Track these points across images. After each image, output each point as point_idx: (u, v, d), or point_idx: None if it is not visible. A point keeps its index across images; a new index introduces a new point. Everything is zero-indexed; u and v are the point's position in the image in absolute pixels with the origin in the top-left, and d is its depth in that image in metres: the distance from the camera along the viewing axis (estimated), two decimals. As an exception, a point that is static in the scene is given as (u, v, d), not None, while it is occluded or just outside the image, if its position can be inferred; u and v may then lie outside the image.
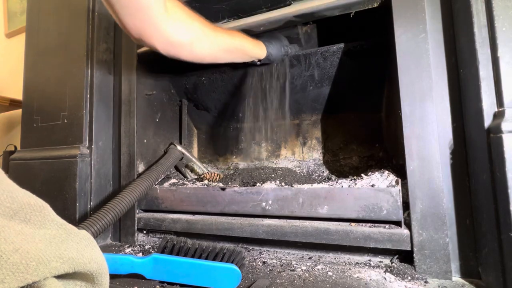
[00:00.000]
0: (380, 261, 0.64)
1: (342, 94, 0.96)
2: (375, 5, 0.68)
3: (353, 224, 0.64)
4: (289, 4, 0.77)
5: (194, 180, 1.01)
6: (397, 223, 0.61)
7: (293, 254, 0.72)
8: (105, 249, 0.83)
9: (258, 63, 0.88)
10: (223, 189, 0.76)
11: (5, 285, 0.27)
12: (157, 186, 0.86)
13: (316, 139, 1.05)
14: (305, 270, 0.63)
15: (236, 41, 0.76)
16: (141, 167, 0.91)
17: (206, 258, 0.59)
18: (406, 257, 0.61)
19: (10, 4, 2.00)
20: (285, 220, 0.70)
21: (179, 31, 0.62)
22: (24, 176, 0.94)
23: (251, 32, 0.82)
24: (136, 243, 0.86)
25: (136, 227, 0.86)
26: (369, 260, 0.65)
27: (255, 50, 0.83)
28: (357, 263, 0.65)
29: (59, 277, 0.34)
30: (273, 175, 0.88)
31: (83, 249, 0.36)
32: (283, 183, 0.79)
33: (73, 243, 0.36)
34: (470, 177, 0.57)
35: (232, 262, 0.58)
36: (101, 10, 0.94)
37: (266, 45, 0.85)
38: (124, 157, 0.90)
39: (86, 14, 0.91)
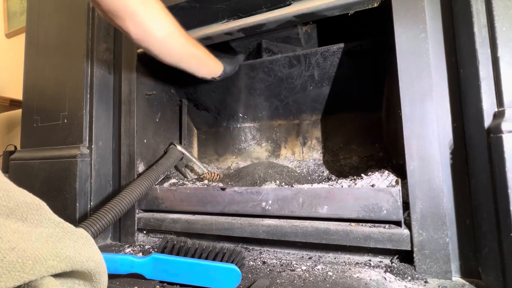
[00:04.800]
0: (380, 261, 0.64)
1: (342, 94, 0.96)
2: (375, 5, 0.68)
3: (353, 224, 0.64)
4: (289, 4, 0.77)
5: (194, 180, 1.01)
6: (397, 223, 0.61)
7: (293, 254, 0.71)
8: (105, 249, 0.83)
9: (218, 78, 0.90)
10: (223, 189, 0.76)
11: (1, 284, 0.27)
12: (157, 186, 0.86)
13: (316, 139, 1.04)
14: (305, 270, 0.62)
15: (202, 51, 0.79)
16: (141, 167, 0.91)
17: (206, 258, 0.58)
18: (406, 257, 0.61)
19: (10, 4, 2.01)
20: (285, 220, 0.70)
21: (156, 21, 0.63)
22: (24, 176, 0.94)
23: (250, 33, 0.83)
24: (136, 243, 0.86)
25: (136, 227, 0.86)
26: (369, 260, 0.65)
27: (215, 64, 0.86)
28: (357, 263, 0.65)
29: (56, 276, 0.34)
30: (269, 171, 0.88)
31: (80, 247, 0.36)
32: (283, 183, 0.79)
33: (70, 242, 0.36)
34: (470, 177, 0.57)
35: (232, 262, 0.58)
36: (101, 10, 0.94)
37: (221, 61, 0.88)
38: (124, 157, 0.90)
39: (86, 14, 0.91)
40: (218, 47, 0.90)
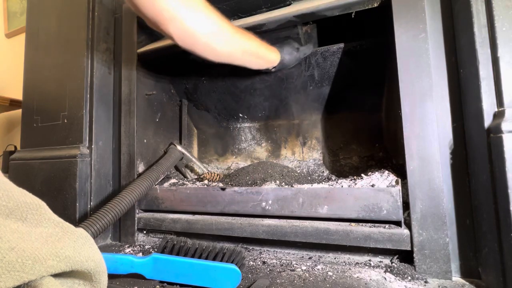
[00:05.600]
0: (380, 261, 0.64)
1: (342, 94, 0.96)
2: (375, 5, 0.68)
3: (353, 224, 0.64)
4: (289, 4, 0.77)
5: (194, 180, 1.01)
6: (397, 223, 0.61)
7: (293, 254, 0.71)
8: (105, 249, 0.83)
9: (273, 70, 0.85)
10: (223, 189, 0.76)
11: (0, 284, 0.27)
12: (157, 186, 0.86)
13: (316, 139, 1.04)
14: (305, 270, 0.62)
15: (253, 43, 0.74)
16: (141, 167, 0.91)
17: (206, 258, 0.58)
18: (406, 257, 0.61)
19: (10, 4, 2.01)
20: (285, 220, 0.70)
21: (197, 21, 0.61)
22: (24, 176, 0.94)
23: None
24: (136, 243, 0.86)
25: (136, 227, 0.86)
26: (369, 260, 0.65)
27: (270, 55, 0.80)
28: (357, 263, 0.65)
29: (56, 275, 0.34)
30: (269, 171, 0.88)
31: (80, 247, 0.36)
32: (283, 183, 0.79)
33: (69, 241, 0.36)
34: (470, 177, 0.57)
35: (232, 262, 0.58)
36: (101, 10, 0.94)
37: (279, 50, 0.82)
38: (124, 157, 0.90)
39: (86, 14, 0.91)
40: (281, 37, 0.86)
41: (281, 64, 0.84)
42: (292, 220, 0.70)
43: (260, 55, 0.78)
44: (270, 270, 0.63)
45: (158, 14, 0.57)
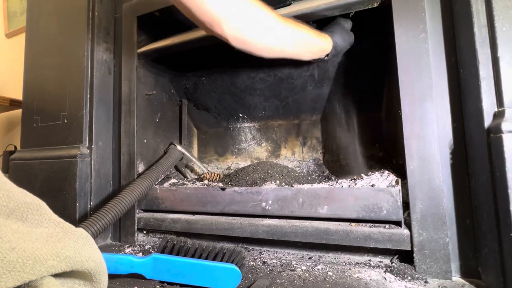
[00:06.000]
0: (380, 261, 0.64)
1: (342, 94, 0.96)
2: (375, 5, 0.68)
3: (353, 224, 0.64)
4: (289, 4, 0.76)
5: (194, 180, 1.01)
6: (397, 223, 0.61)
7: (293, 254, 0.71)
8: (105, 249, 0.84)
9: (326, 58, 0.77)
10: (223, 189, 0.76)
11: (1, 284, 0.27)
12: (157, 186, 0.86)
13: (316, 139, 1.05)
14: (305, 270, 0.62)
15: (303, 31, 0.69)
16: (141, 167, 0.91)
17: (206, 258, 0.58)
18: (406, 257, 0.61)
19: (10, 4, 2.00)
20: (285, 220, 0.70)
21: (244, 27, 0.61)
22: (24, 176, 0.94)
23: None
24: (136, 243, 0.86)
25: (136, 227, 0.86)
26: (369, 260, 0.65)
27: (322, 42, 0.74)
28: (357, 263, 0.65)
29: (56, 275, 0.34)
30: (269, 171, 0.88)
31: (80, 247, 0.36)
32: (283, 183, 0.79)
33: (70, 242, 0.36)
34: (470, 177, 0.57)
35: (232, 262, 0.58)
36: (101, 10, 0.94)
37: (330, 35, 0.76)
38: (124, 157, 0.90)
39: (86, 14, 0.91)
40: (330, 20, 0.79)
41: (334, 51, 0.77)
42: (292, 220, 0.70)
43: (312, 43, 0.72)
44: (270, 270, 0.63)
45: (210, 16, 0.57)
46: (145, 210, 0.88)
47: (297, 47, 0.70)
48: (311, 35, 0.71)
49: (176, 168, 1.06)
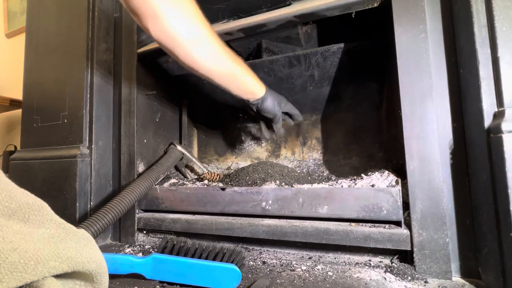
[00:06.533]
0: (380, 261, 0.64)
1: (342, 94, 0.96)
2: (375, 5, 0.68)
3: (353, 224, 0.64)
4: (289, 4, 0.77)
5: (194, 180, 1.01)
6: (397, 223, 0.61)
7: (293, 254, 0.71)
8: (105, 249, 0.83)
9: (251, 104, 0.79)
10: (223, 189, 0.76)
11: (3, 284, 0.27)
12: (157, 186, 0.86)
13: (316, 139, 1.05)
14: (305, 270, 0.62)
15: (240, 67, 0.70)
16: (141, 167, 0.91)
17: (206, 258, 0.58)
18: (406, 257, 0.61)
19: (10, 4, 2.00)
20: (285, 220, 0.70)
21: (180, 23, 0.57)
22: (24, 176, 0.94)
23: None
24: (136, 243, 0.86)
25: (136, 227, 0.86)
26: (369, 260, 0.65)
27: (255, 86, 0.76)
28: (357, 263, 0.65)
29: (58, 276, 0.34)
30: (269, 171, 0.88)
31: (81, 248, 0.36)
32: (283, 183, 0.79)
33: (71, 243, 0.36)
34: (470, 177, 0.57)
35: (232, 262, 0.58)
36: (101, 10, 0.94)
37: (266, 87, 0.79)
38: (124, 157, 0.90)
39: (86, 14, 0.91)
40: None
41: (261, 101, 0.78)
42: (292, 220, 0.70)
43: (245, 82, 0.73)
44: (270, 270, 0.63)
45: (141, 6, 0.54)
46: (145, 210, 0.88)
47: (228, 79, 0.70)
48: (247, 75, 0.72)
49: (176, 168, 1.06)
